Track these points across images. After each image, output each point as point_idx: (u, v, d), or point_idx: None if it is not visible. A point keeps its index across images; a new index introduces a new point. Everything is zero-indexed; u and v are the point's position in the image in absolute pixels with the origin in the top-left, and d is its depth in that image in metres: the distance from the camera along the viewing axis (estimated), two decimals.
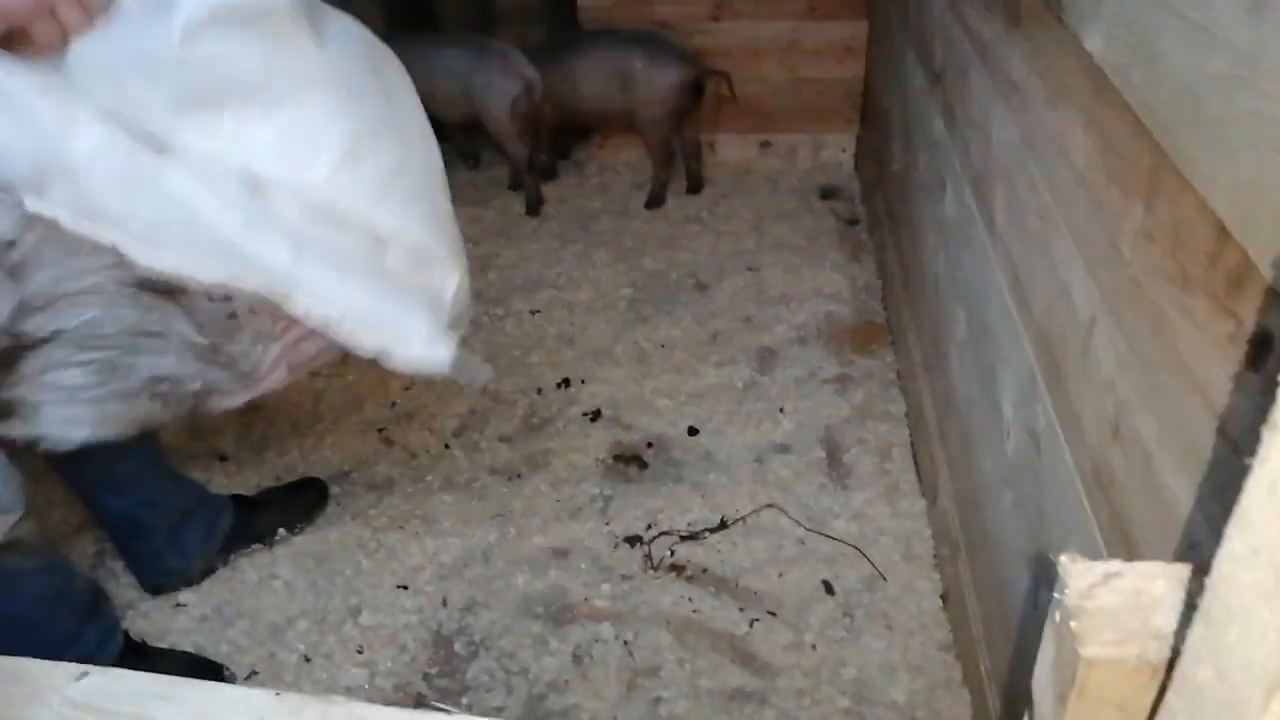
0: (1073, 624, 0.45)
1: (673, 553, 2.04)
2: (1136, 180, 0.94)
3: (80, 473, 1.81)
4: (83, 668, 0.88)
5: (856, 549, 2.01)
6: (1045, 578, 1.09)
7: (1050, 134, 1.22)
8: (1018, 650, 1.31)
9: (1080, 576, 0.47)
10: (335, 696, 0.86)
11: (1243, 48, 0.72)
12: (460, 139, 3.52)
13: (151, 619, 1.97)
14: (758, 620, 1.88)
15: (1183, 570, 0.46)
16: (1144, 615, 0.45)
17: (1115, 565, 0.47)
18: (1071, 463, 1.13)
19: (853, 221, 3.13)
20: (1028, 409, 1.30)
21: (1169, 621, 0.44)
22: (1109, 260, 1.01)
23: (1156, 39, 0.88)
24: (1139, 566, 0.47)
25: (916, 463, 2.19)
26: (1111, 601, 0.45)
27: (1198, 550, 0.76)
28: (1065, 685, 0.45)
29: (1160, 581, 0.46)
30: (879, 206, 2.87)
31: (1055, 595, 0.47)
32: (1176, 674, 0.42)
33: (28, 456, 1.94)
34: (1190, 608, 0.41)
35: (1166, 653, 0.43)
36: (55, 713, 0.86)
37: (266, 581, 2.04)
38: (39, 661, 0.92)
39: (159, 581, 2.00)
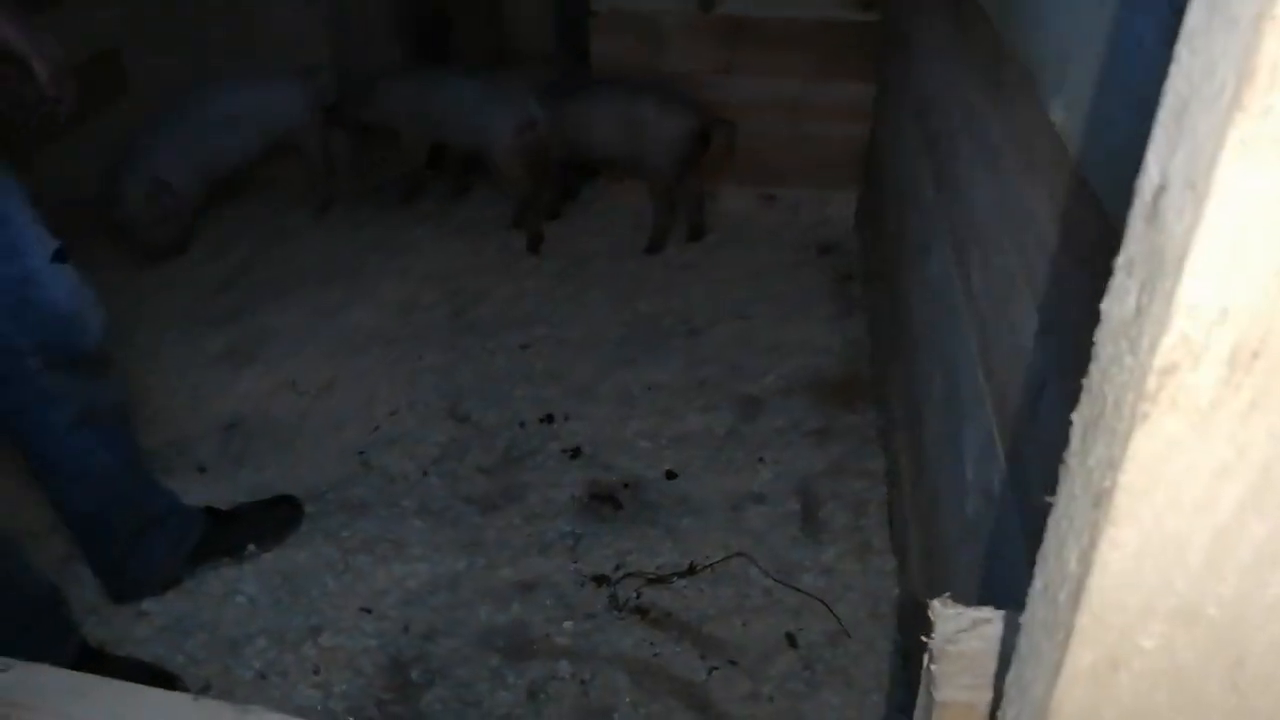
0: (934, 667, 0.45)
1: (639, 595, 2.03)
2: (1085, 246, 0.95)
3: (52, 466, 1.82)
4: (5, 661, 0.89)
5: (823, 603, 2.00)
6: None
7: (1021, 199, 1.24)
8: None
9: (949, 621, 0.47)
10: (252, 706, 0.86)
11: None
12: (457, 170, 3.57)
13: (112, 625, 1.97)
14: (717, 669, 1.87)
15: None
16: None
17: (985, 612, 0.48)
18: (1019, 525, 1.13)
19: (848, 278, 3.15)
20: (985, 471, 1.30)
21: None
22: (1060, 324, 1.02)
23: (1107, 109, 0.90)
24: (1009, 615, 0.47)
25: (891, 521, 2.19)
26: (976, 647, 0.46)
27: None
28: None
29: None
30: (874, 265, 2.89)
31: (924, 639, 0.47)
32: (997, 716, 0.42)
33: (2, 451, 1.96)
34: None
35: None
36: None
37: (230, 596, 2.03)
38: None
39: (121, 589, 2.00)
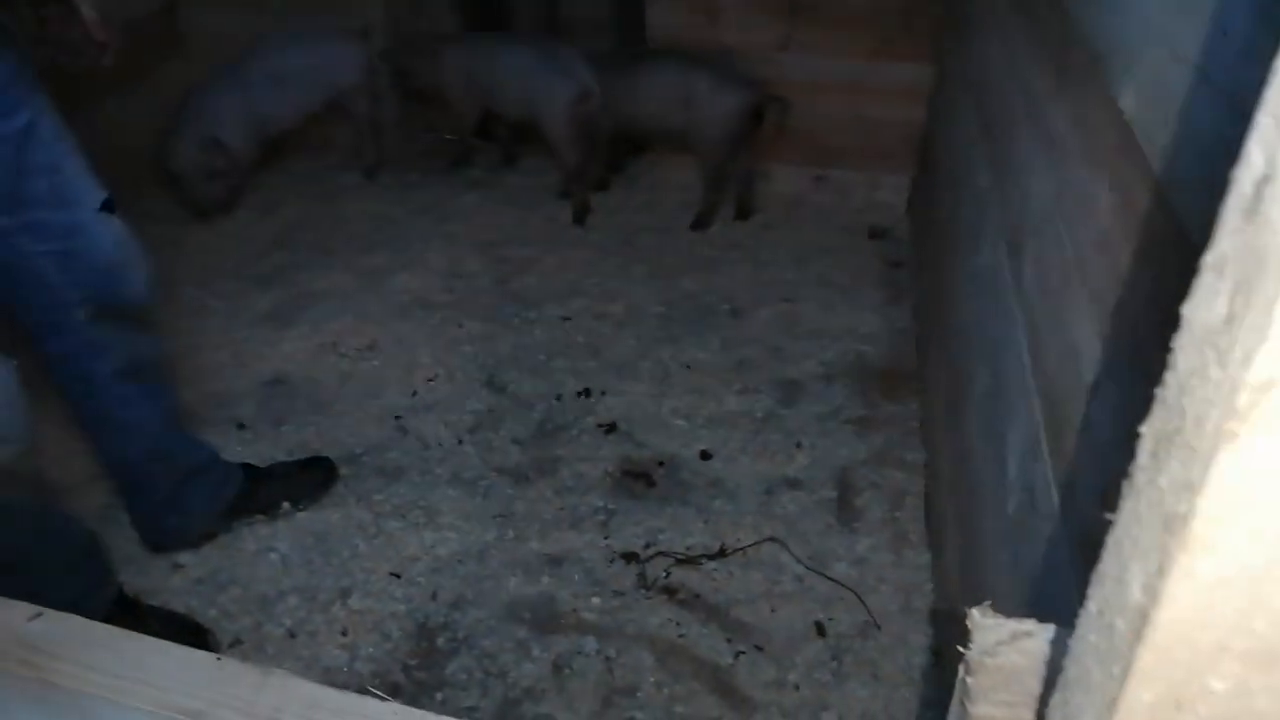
0: (969, 680, 0.43)
1: (668, 574, 2.02)
2: (1152, 244, 0.91)
3: (95, 416, 1.85)
4: (36, 609, 0.89)
5: (855, 594, 1.97)
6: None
7: (1080, 190, 1.20)
8: None
9: (988, 633, 0.45)
10: (275, 670, 0.85)
11: None
12: (507, 138, 3.56)
13: (149, 576, 2.00)
14: (743, 653, 1.85)
15: None
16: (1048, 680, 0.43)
17: (1027, 625, 0.45)
18: (1064, 529, 1.09)
19: (898, 264, 3.09)
20: (1030, 470, 1.27)
21: None
22: (1117, 325, 0.98)
23: (1184, 101, 0.85)
24: (1052, 629, 0.45)
25: (928, 515, 2.15)
26: (1015, 662, 0.43)
27: None
28: None
29: None
30: (923, 252, 2.83)
31: (960, 649, 0.45)
32: None
33: (48, 400, 1.99)
34: None
35: None
36: (1, 649, 0.86)
37: (264, 553, 2.05)
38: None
39: (158, 539, 2.03)
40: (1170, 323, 0.80)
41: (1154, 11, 0.96)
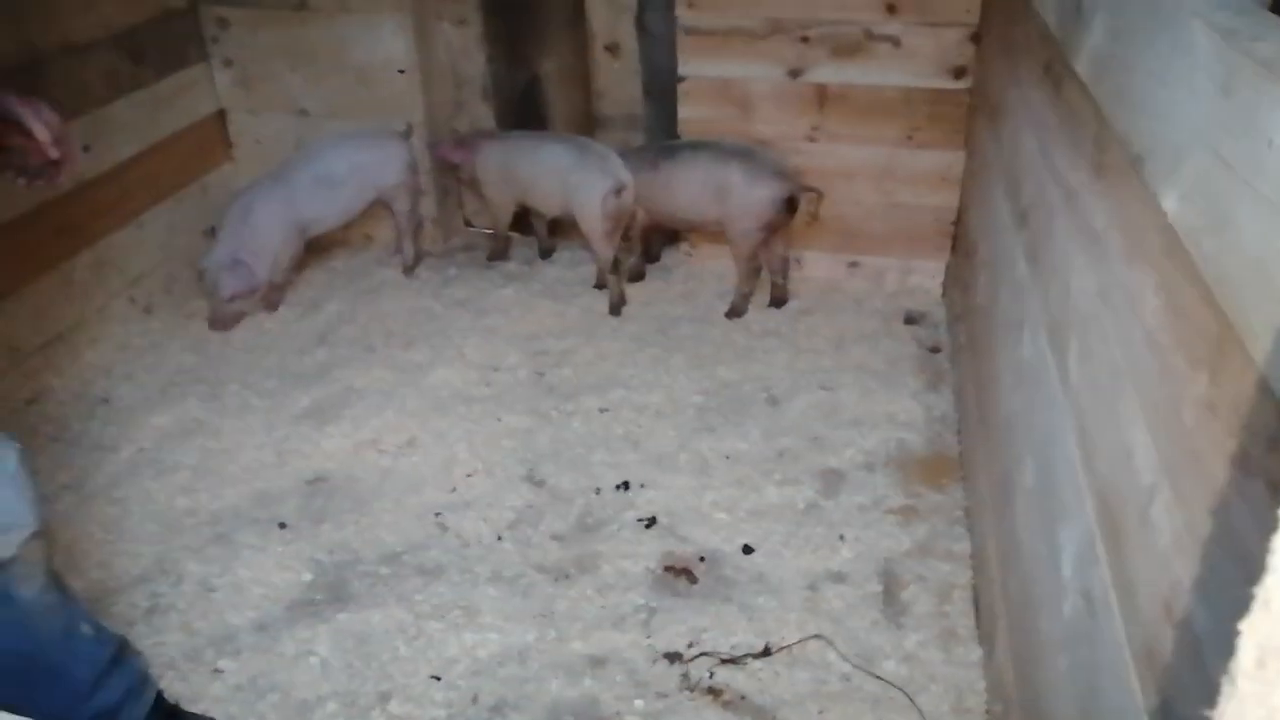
0: None
1: (712, 675, 1.97)
2: (1203, 348, 0.90)
3: None
4: None
5: (905, 694, 1.92)
6: None
7: (1125, 289, 1.19)
8: None
9: None
10: None
11: None
12: (544, 233, 3.61)
13: (189, 681, 1.98)
14: None
15: None
16: None
17: None
18: (1124, 637, 1.06)
19: (935, 349, 3.07)
20: (1086, 572, 1.23)
21: None
22: (1172, 427, 0.96)
23: (1230, 209, 0.85)
24: None
25: (977, 608, 2.09)
26: None
27: None
28: None
29: None
30: (961, 337, 2.81)
31: None
32: None
33: (92, 502, 2.00)
34: None
35: None
36: None
37: (303, 657, 2.03)
38: None
39: None
40: (1225, 422, 0.77)
41: (1198, 118, 0.96)
